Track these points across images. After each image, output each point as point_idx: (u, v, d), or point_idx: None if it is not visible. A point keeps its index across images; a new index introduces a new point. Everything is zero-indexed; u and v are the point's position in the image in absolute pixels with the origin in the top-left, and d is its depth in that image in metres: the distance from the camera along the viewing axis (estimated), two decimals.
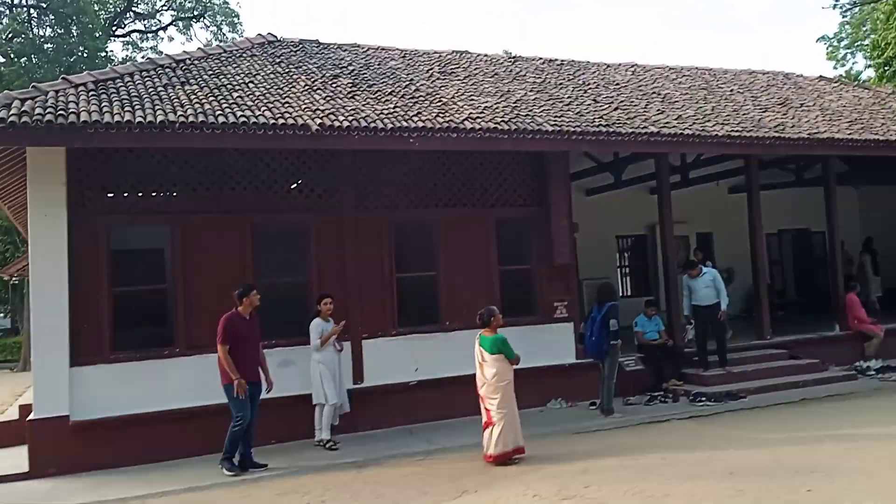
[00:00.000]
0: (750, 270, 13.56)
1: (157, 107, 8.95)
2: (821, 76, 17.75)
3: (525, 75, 13.54)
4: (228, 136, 8.94)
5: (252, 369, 8.47)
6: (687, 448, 8.38)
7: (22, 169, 9.70)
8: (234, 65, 11.31)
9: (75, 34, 30.33)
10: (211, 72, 10.74)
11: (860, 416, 9.74)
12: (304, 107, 9.76)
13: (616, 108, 12.13)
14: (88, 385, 9.01)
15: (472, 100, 11.35)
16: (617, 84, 14.03)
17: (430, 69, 12.89)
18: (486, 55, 14.63)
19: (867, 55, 28.62)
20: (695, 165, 14.98)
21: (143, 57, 33.48)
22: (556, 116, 11.10)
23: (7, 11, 30.78)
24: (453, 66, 13.35)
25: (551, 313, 11.51)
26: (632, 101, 12.85)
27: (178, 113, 8.86)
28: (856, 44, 32.43)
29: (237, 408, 8.29)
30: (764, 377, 11.65)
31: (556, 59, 15.13)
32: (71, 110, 8.52)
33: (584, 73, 14.47)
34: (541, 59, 14.96)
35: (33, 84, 9.58)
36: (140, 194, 9.79)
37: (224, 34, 36.20)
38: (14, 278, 26.51)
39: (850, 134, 13.03)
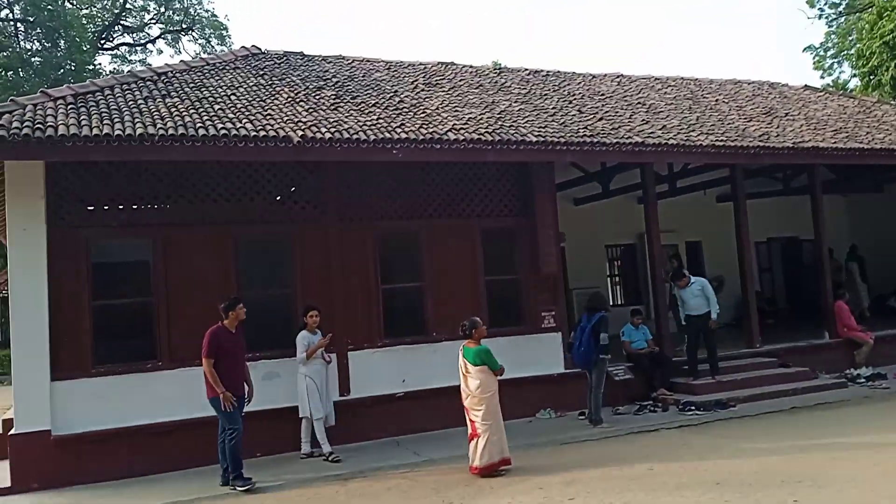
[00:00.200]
0: (739, 279, 13.55)
1: (136, 120, 8.89)
2: (806, 86, 17.81)
3: (510, 86, 13.53)
4: (209, 149, 8.89)
5: (237, 383, 8.37)
6: (675, 458, 8.33)
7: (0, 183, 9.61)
8: (217, 77, 11.25)
9: (63, 48, 30.16)
10: (193, 84, 10.67)
11: (849, 424, 9.71)
12: (286, 119, 9.72)
13: (601, 119, 12.14)
14: (70, 399, 8.92)
15: (457, 111, 11.34)
16: (602, 94, 14.04)
17: (415, 81, 12.87)
18: (471, 66, 14.62)
19: (853, 64, 28.75)
20: (682, 175, 15.02)
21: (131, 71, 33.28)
22: (540, 127, 11.09)
23: None
24: (438, 78, 13.33)
25: (539, 323, 11.47)
26: (617, 112, 12.86)
27: (158, 126, 8.80)
28: (842, 53, 32.58)
29: (229, 421, 8.20)
30: (754, 386, 11.62)
31: (542, 70, 15.14)
32: (49, 124, 8.45)
33: (569, 84, 14.48)
34: (526, 70, 14.97)
35: (11, 98, 9.49)
36: (121, 207, 9.72)
37: (213, 47, 36.04)
38: (4, 291, 26.34)
39: (834, 143, 13.09)
